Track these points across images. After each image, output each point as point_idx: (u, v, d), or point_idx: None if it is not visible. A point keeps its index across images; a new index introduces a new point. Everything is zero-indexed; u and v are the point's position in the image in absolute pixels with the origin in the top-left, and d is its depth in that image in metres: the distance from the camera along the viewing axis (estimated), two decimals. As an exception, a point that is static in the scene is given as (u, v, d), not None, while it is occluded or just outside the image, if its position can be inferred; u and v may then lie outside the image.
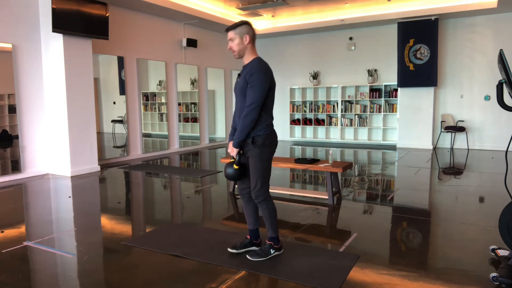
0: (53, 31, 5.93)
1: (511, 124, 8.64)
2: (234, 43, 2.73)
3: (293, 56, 11.19)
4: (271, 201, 2.86)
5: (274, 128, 2.87)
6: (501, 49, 2.62)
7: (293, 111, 11.07)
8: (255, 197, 2.82)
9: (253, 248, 3.04)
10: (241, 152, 2.84)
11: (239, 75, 2.80)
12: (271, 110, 2.81)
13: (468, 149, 9.05)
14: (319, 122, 10.80)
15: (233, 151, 2.81)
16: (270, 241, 2.94)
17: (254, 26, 2.81)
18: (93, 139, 6.68)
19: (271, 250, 2.92)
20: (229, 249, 3.00)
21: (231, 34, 2.73)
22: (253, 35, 2.75)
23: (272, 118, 2.83)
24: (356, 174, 6.29)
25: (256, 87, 2.63)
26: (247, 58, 2.76)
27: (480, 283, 2.53)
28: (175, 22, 9.01)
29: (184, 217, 4.16)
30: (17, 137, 6.09)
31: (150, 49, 8.45)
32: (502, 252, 2.86)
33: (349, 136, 10.53)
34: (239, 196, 4.63)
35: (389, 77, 9.86)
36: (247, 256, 2.91)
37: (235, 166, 2.84)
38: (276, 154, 8.42)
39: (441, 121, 9.29)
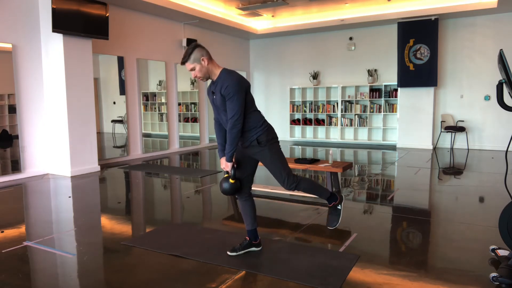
0: (53, 31, 5.93)
1: (511, 124, 8.64)
2: (196, 71, 2.69)
3: (293, 56, 11.19)
4: (302, 178, 2.91)
5: (272, 127, 2.89)
6: (501, 49, 2.62)
7: (293, 111, 11.07)
8: (289, 187, 2.85)
9: (253, 248, 3.04)
10: (235, 166, 2.83)
11: (212, 92, 2.76)
12: (254, 106, 2.81)
13: (468, 149, 9.05)
14: (319, 122, 10.80)
15: (227, 166, 2.80)
16: (330, 203, 3.06)
17: (201, 44, 2.74)
18: (93, 139, 6.68)
19: (337, 207, 3.07)
20: (228, 252, 3.00)
21: (188, 65, 2.68)
22: (207, 53, 2.70)
23: (260, 112, 2.83)
24: (356, 174, 6.29)
25: (234, 98, 2.61)
26: (214, 74, 2.72)
27: (480, 283, 2.53)
28: (175, 22, 9.01)
29: (184, 217, 4.17)
30: (17, 137, 6.09)
31: (150, 49, 8.45)
32: (502, 252, 2.86)
33: (349, 136, 10.53)
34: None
35: (389, 77, 9.86)
36: (329, 227, 3.07)
37: (231, 181, 2.81)
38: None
39: (441, 121, 9.29)
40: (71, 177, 6.19)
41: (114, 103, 8.04)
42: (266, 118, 2.92)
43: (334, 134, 10.69)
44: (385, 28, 9.81)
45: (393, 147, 9.59)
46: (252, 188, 4.96)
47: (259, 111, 2.83)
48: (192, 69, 2.69)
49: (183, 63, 2.71)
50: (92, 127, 6.68)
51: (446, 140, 9.40)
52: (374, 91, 9.96)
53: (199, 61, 2.66)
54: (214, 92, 2.74)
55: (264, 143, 2.77)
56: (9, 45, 5.93)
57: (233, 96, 2.61)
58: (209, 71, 2.71)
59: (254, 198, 3.08)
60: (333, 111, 10.55)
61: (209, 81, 2.86)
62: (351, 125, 10.35)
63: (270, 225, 3.77)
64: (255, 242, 3.04)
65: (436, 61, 8.94)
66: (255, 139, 2.76)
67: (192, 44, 2.71)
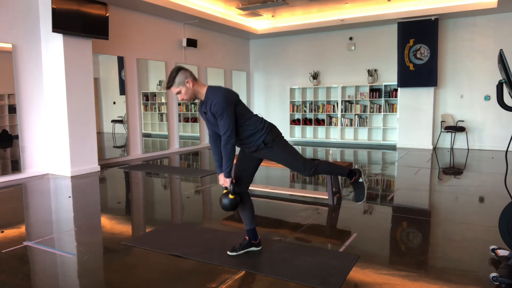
0: (53, 31, 5.93)
1: (511, 124, 8.64)
2: (183, 94, 2.67)
3: (293, 56, 11.19)
4: (319, 161, 2.95)
5: (274, 125, 2.89)
6: (501, 49, 2.62)
7: (293, 111, 11.07)
8: (309, 173, 2.89)
9: (253, 248, 3.04)
10: (233, 181, 2.81)
11: (204, 112, 2.75)
12: (250, 112, 2.79)
13: (468, 149, 9.05)
14: (319, 122, 10.80)
15: (225, 182, 2.79)
16: (351, 178, 3.09)
17: (183, 66, 2.72)
18: (93, 139, 6.68)
19: (359, 180, 3.10)
20: (228, 252, 3.00)
21: (174, 89, 2.67)
22: (191, 74, 2.68)
23: (257, 116, 2.83)
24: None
25: (224, 115, 2.60)
26: (201, 94, 2.71)
27: (480, 283, 2.53)
28: (175, 22, 9.01)
29: (184, 217, 4.17)
30: (17, 137, 6.09)
31: (150, 49, 8.45)
32: (502, 252, 2.86)
33: (349, 136, 10.53)
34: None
35: (389, 77, 9.86)
36: (357, 202, 3.14)
37: (230, 196, 2.78)
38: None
39: (441, 121, 9.29)
40: (71, 177, 6.19)
41: (114, 103, 8.04)
42: (266, 118, 2.91)
43: (334, 134, 10.69)
44: (385, 28, 9.81)
45: (393, 147, 9.59)
46: (252, 188, 4.97)
47: (256, 115, 2.82)
48: (178, 93, 2.67)
49: (168, 87, 2.69)
50: (92, 127, 6.67)
51: (446, 140, 9.40)
52: (374, 91, 9.95)
53: (184, 84, 2.65)
54: (206, 112, 2.73)
55: (270, 144, 2.78)
56: (9, 45, 5.93)
57: (222, 113, 2.60)
58: (195, 92, 2.69)
59: (254, 198, 3.08)
60: (333, 111, 10.55)
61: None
62: (351, 125, 10.35)
63: (270, 225, 3.77)
64: (255, 242, 3.04)
65: (436, 61, 8.94)
66: (262, 142, 2.76)
67: (174, 68, 2.69)
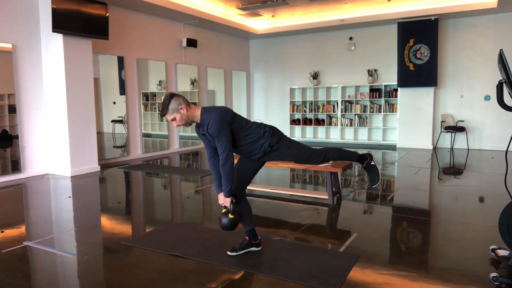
0: (53, 31, 5.93)
1: (511, 124, 8.64)
2: (178, 120, 2.67)
3: (293, 56, 11.18)
4: (327, 148, 3.01)
5: (274, 126, 2.89)
6: (501, 49, 2.62)
7: (293, 111, 11.07)
8: (318, 162, 2.97)
9: (253, 248, 3.04)
10: (233, 200, 2.80)
11: (202, 134, 2.75)
12: (248, 122, 2.79)
13: (468, 149, 9.05)
14: (319, 122, 10.80)
15: (225, 201, 2.78)
16: (363, 163, 3.15)
17: (175, 92, 2.73)
18: (93, 139, 6.68)
19: (371, 163, 3.16)
20: (228, 252, 3.00)
21: (169, 117, 2.67)
22: (184, 100, 2.67)
23: (256, 123, 2.83)
24: (356, 174, 6.29)
25: (220, 135, 2.61)
26: (196, 117, 2.70)
27: (480, 283, 2.53)
28: (175, 22, 9.01)
29: (184, 217, 4.17)
30: (17, 137, 6.09)
31: (150, 49, 8.45)
32: (502, 252, 2.86)
33: (349, 136, 10.53)
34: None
35: (389, 77, 9.86)
36: (373, 186, 3.17)
37: (230, 216, 2.76)
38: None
39: (441, 121, 9.29)
40: (71, 177, 6.19)
41: (114, 103, 8.04)
42: (266, 118, 2.92)
43: (334, 134, 10.69)
44: (385, 28, 9.80)
45: (393, 147, 9.59)
46: (252, 188, 4.97)
47: (254, 122, 2.83)
48: (173, 119, 2.67)
49: (162, 115, 2.70)
50: (92, 127, 6.67)
51: (446, 140, 9.40)
52: (374, 91, 9.95)
53: (178, 111, 2.64)
54: (204, 134, 2.73)
55: (276, 145, 2.80)
56: (9, 45, 5.92)
57: (219, 134, 2.61)
58: (190, 117, 2.68)
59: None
60: (333, 111, 10.55)
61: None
62: (351, 125, 10.35)
63: (270, 225, 3.77)
64: (255, 242, 3.04)
65: (436, 61, 8.94)
66: (268, 146, 2.78)
67: (167, 95, 2.68)
